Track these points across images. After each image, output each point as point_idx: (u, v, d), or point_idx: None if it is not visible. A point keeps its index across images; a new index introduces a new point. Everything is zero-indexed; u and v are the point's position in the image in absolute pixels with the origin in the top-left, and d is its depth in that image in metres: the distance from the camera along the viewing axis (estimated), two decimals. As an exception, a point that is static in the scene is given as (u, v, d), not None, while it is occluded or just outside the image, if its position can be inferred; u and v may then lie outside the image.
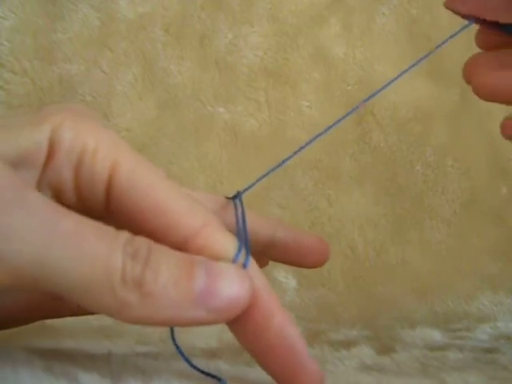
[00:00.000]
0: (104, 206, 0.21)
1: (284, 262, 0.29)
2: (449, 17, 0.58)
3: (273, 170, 0.25)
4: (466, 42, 0.62)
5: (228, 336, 0.37)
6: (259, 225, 0.27)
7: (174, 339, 0.23)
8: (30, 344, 0.24)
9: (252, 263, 0.21)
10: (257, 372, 0.26)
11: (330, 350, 0.32)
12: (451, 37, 0.24)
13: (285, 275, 0.50)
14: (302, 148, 0.25)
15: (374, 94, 0.24)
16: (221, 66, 0.53)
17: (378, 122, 0.56)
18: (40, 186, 0.21)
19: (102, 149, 0.20)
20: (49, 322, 0.36)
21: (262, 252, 0.28)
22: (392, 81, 0.24)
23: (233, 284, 0.19)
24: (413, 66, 0.24)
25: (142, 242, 0.18)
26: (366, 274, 0.52)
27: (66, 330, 0.34)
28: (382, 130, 0.56)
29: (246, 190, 0.24)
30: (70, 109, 0.21)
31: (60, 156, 0.20)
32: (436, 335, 0.39)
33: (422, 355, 0.32)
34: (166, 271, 0.18)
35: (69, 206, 0.19)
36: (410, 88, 0.58)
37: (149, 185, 0.21)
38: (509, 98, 0.28)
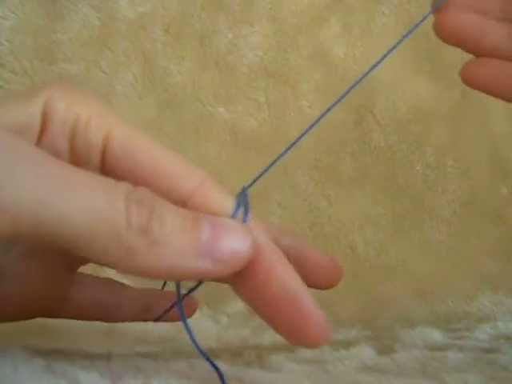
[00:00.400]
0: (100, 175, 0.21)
1: None
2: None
3: (279, 158, 0.25)
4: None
5: (228, 336, 0.37)
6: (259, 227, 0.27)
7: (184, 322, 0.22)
8: (30, 344, 0.24)
9: (252, 220, 0.21)
10: (256, 372, 0.26)
11: (329, 350, 0.32)
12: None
13: (285, 275, 0.50)
14: (302, 135, 0.24)
15: (364, 75, 0.24)
16: (221, 66, 0.53)
17: (378, 122, 0.56)
18: None
19: (94, 118, 0.21)
20: (49, 321, 0.36)
21: None
22: (381, 60, 0.24)
23: (237, 237, 0.19)
24: (399, 42, 0.24)
25: (145, 191, 0.18)
26: (365, 274, 0.52)
27: (66, 330, 0.34)
28: (382, 130, 0.56)
29: (250, 184, 0.24)
30: (61, 84, 0.22)
31: (54, 127, 0.21)
32: (436, 335, 0.39)
33: (421, 355, 0.32)
34: (171, 221, 0.18)
35: None
36: (410, 88, 0.58)
37: (143, 150, 0.21)
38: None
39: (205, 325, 0.40)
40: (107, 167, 0.21)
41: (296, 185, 0.53)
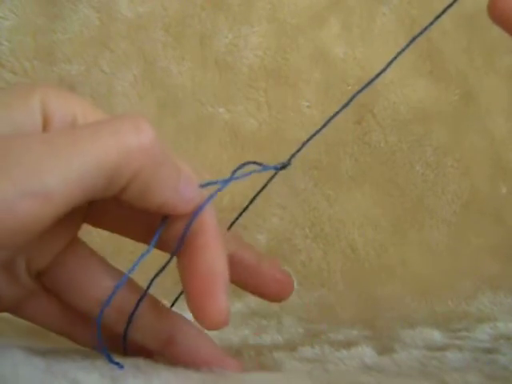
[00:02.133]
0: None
1: (240, 285, 0.28)
2: (449, 17, 0.57)
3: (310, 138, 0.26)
4: (466, 43, 0.63)
5: (228, 336, 0.37)
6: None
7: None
8: (30, 344, 0.24)
9: (210, 210, 0.24)
10: (256, 371, 0.26)
11: (330, 350, 0.32)
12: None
13: (285, 275, 0.50)
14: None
15: (369, 82, 0.24)
16: (221, 66, 0.53)
17: (378, 122, 0.56)
18: None
19: (90, 115, 0.22)
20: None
21: None
22: (386, 67, 0.24)
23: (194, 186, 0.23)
24: (404, 49, 0.24)
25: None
26: (365, 274, 0.52)
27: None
28: (383, 130, 0.56)
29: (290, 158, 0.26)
30: (46, 84, 0.23)
31: (54, 127, 0.21)
32: (436, 335, 0.39)
33: (421, 355, 0.32)
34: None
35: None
36: (411, 88, 0.58)
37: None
38: None
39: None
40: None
41: (296, 185, 0.53)
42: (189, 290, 0.23)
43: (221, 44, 0.53)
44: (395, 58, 0.23)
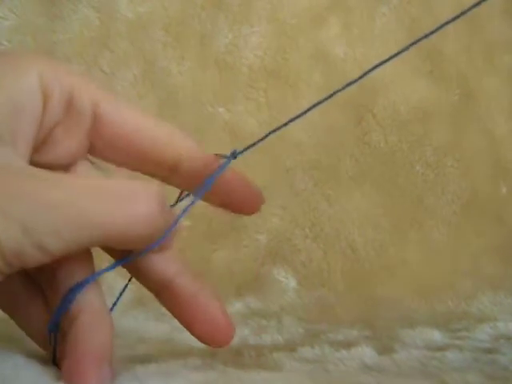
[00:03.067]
0: (91, 145, 0.23)
1: (175, 316, 0.24)
2: (449, 17, 0.57)
3: (272, 132, 0.26)
4: (466, 43, 0.63)
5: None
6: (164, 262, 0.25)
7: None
8: (31, 347, 0.24)
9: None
10: (256, 372, 0.26)
11: (330, 350, 0.32)
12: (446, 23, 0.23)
13: (285, 275, 0.50)
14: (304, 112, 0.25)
15: (364, 74, 0.24)
16: (221, 66, 0.53)
17: (378, 122, 0.56)
18: (39, 134, 0.21)
19: (84, 87, 0.22)
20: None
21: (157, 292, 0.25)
22: (386, 61, 0.24)
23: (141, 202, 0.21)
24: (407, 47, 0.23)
25: (155, 187, 0.21)
26: (366, 274, 0.52)
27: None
28: (383, 130, 0.56)
29: (241, 151, 0.26)
30: (37, 54, 0.22)
31: (54, 102, 0.21)
32: (436, 335, 0.39)
33: (421, 355, 0.32)
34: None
35: (62, 150, 0.22)
36: (411, 88, 0.58)
37: (130, 116, 0.23)
38: None
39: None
40: (96, 132, 0.23)
41: (296, 185, 0.53)
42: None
43: (221, 44, 0.53)
44: (397, 53, 0.23)
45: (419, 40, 0.22)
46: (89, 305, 0.21)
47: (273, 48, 0.54)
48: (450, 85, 0.59)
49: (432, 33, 0.22)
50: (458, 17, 0.21)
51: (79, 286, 0.21)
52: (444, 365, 0.30)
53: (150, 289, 0.24)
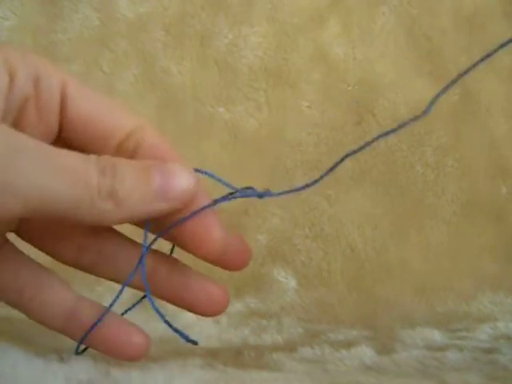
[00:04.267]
0: (60, 126, 0.24)
1: (170, 301, 0.27)
2: (449, 17, 0.58)
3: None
4: (466, 43, 0.63)
5: (228, 336, 0.37)
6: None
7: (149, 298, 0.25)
8: (30, 344, 0.24)
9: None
10: (256, 371, 0.26)
11: (330, 350, 0.32)
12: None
13: (285, 275, 0.50)
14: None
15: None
16: (221, 66, 0.53)
17: (378, 122, 0.56)
18: (6, 110, 0.23)
19: (51, 69, 0.24)
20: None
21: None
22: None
23: (183, 178, 0.24)
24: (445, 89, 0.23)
25: (107, 159, 0.22)
26: (366, 274, 0.52)
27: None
28: (383, 131, 0.56)
29: (220, 200, 0.26)
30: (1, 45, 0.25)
31: (20, 76, 0.23)
32: (436, 335, 0.39)
33: (421, 355, 0.32)
34: (129, 178, 0.22)
35: (30, 128, 0.23)
36: (411, 88, 0.58)
37: (93, 96, 0.25)
38: None
39: (205, 325, 0.40)
40: (65, 110, 0.24)
41: (296, 185, 0.53)
42: (184, 230, 0.24)
43: (221, 44, 0.53)
44: (438, 96, 0.22)
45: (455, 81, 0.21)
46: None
47: (273, 48, 0.54)
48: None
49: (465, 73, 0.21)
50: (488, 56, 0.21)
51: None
52: (444, 365, 0.30)
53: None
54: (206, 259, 0.25)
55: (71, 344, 0.26)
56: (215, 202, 0.24)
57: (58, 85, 0.24)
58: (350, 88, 0.56)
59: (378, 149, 0.56)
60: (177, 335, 0.24)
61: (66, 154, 0.21)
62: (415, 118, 0.21)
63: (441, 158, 0.57)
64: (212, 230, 0.24)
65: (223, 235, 0.24)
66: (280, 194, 0.26)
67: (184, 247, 0.25)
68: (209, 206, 0.24)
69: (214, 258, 0.24)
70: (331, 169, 0.25)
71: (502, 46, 0.22)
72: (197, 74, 0.52)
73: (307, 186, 0.25)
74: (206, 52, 0.52)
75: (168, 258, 0.27)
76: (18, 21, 0.47)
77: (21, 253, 0.26)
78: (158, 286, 0.26)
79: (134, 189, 0.22)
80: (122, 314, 0.26)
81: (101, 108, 0.25)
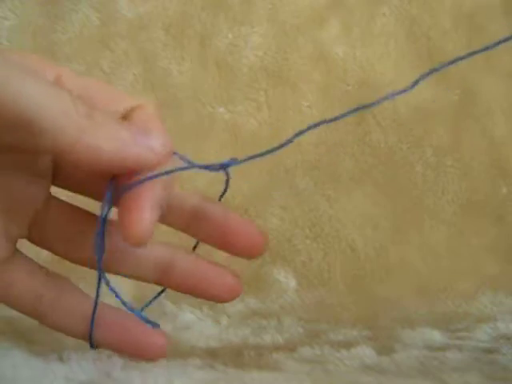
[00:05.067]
0: None
1: (209, 242, 0.27)
2: (449, 17, 0.58)
3: (270, 151, 0.25)
4: (466, 43, 0.63)
5: (228, 336, 0.37)
6: (183, 196, 0.27)
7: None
8: (30, 344, 0.24)
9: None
10: (256, 371, 0.26)
11: (330, 350, 0.32)
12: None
13: (285, 275, 0.50)
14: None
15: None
16: (221, 67, 0.53)
17: (378, 123, 0.56)
18: None
19: (47, 63, 0.24)
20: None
21: (187, 225, 0.27)
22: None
23: (163, 135, 0.24)
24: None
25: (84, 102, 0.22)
26: (365, 274, 0.52)
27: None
28: (382, 131, 0.56)
29: (236, 163, 0.25)
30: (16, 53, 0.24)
31: None
32: (436, 335, 0.39)
33: (421, 355, 0.32)
34: (108, 118, 0.22)
35: None
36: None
37: (91, 83, 0.25)
38: None
39: (205, 325, 0.40)
40: None
41: (296, 185, 0.53)
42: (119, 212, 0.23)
43: (221, 44, 0.53)
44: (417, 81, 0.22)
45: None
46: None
47: (273, 48, 0.54)
48: (450, 85, 0.59)
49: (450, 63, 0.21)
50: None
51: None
52: (444, 365, 0.30)
53: (180, 225, 0.27)
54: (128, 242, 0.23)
55: (71, 344, 0.26)
56: (167, 172, 0.23)
57: (54, 78, 0.24)
58: (349, 88, 0.56)
59: (378, 149, 0.56)
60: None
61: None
62: (398, 93, 0.21)
63: (441, 158, 0.57)
64: (139, 208, 0.22)
65: (149, 217, 0.22)
66: (244, 160, 0.26)
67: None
68: (162, 174, 0.23)
69: (136, 241, 0.22)
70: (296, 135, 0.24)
71: (502, 41, 0.21)
72: (197, 74, 0.52)
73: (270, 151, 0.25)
74: (206, 52, 0.52)
75: (185, 250, 0.27)
76: (18, 21, 0.47)
77: (32, 261, 0.26)
78: (175, 278, 0.26)
79: (114, 122, 0.22)
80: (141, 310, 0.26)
81: (100, 93, 0.24)
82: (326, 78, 0.55)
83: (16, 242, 0.25)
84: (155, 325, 0.24)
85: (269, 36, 0.54)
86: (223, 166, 0.25)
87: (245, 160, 0.24)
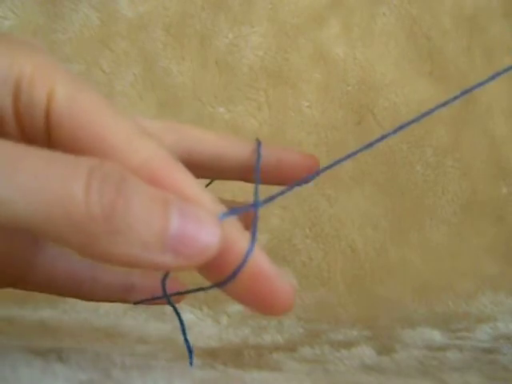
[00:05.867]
0: (45, 137, 0.19)
1: (269, 183, 0.27)
2: (449, 17, 0.58)
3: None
4: (466, 43, 0.63)
5: (228, 336, 0.37)
6: (232, 146, 0.26)
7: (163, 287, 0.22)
8: (30, 344, 0.24)
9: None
10: (257, 371, 0.26)
11: (330, 349, 0.32)
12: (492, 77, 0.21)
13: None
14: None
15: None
16: (221, 66, 0.53)
17: (378, 123, 0.56)
18: None
19: (38, 73, 0.19)
20: (49, 322, 0.36)
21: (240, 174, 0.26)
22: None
23: (206, 231, 0.17)
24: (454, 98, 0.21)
25: (112, 167, 0.16)
26: (365, 274, 0.52)
27: (66, 330, 0.34)
28: (383, 131, 0.56)
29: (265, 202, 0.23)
30: (6, 37, 0.20)
31: None
32: (436, 335, 0.39)
33: (422, 355, 0.32)
34: (138, 203, 0.16)
35: (10, 136, 0.18)
36: (411, 88, 0.58)
37: (87, 112, 0.18)
38: None
39: (205, 325, 0.40)
40: (51, 128, 0.18)
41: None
42: (247, 298, 0.19)
43: (221, 44, 0.53)
44: (444, 104, 0.21)
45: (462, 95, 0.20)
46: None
47: (273, 48, 0.54)
48: (450, 85, 0.59)
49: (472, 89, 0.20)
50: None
51: None
52: (444, 365, 0.30)
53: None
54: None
55: (71, 344, 0.26)
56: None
57: (43, 100, 0.18)
58: (349, 88, 0.56)
59: (378, 149, 0.56)
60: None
61: (32, 150, 0.16)
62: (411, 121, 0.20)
63: (441, 158, 0.58)
64: (276, 282, 0.18)
65: (290, 282, 0.18)
66: (272, 198, 0.22)
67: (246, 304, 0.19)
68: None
69: (284, 310, 0.18)
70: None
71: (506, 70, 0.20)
72: (197, 73, 0.52)
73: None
74: (206, 52, 0.52)
75: None
76: (18, 21, 0.47)
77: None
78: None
79: (141, 221, 0.16)
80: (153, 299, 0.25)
81: (97, 129, 0.18)
82: (326, 78, 0.55)
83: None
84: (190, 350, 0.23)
85: (269, 36, 0.54)
86: (254, 206, 0.22)
87: (272, 198, 0.23)
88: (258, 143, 0.26)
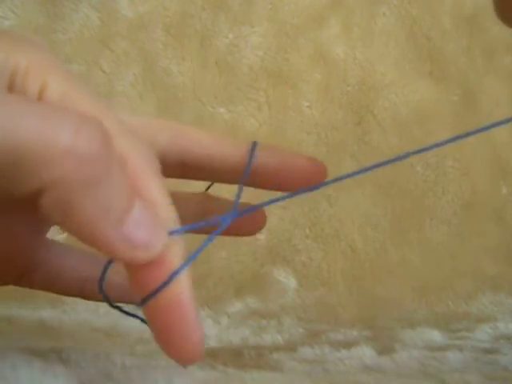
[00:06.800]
0: None
1: (271, 189, 0.26)
2: (449, 17, 0.58)
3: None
4: (466, 43, 0.63)
5: (228, 336, 0.37)
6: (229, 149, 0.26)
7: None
8: (30, 344, 0.23)
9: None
10: (257, 371, 0.26)
11: (330, 349, 0.32)
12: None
13: (285, 275, 0.50)
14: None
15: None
16: (221, 66, 0.53)
17: (378, 123, 0.56)
18: None
19: (33, 68, 0.19)
20: (49, 322, 0.36)
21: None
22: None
23: (158, 230, 0.18)
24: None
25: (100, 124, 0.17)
26: (365, 274, 0.52)
27: (66, 330, 0.34)
28: (383, 131, 0.56)
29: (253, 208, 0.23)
30: (7, 33, 0.20)
31: None
32: (436, 335, 0.39)
33: (422, 355, 0.32)
34: (117, 173, 0.17)
35: None
36: (411, 89, 0.58)
37: (78, 108, 0.19)
38: None
39: (205, 325, 0.40)
40: None
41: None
42: (161, 333, 0.19)
43: (221, 44, 0.53)
44: (450, 140, 0.20)
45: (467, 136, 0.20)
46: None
47: (273, 48, 0.54)
48: (450, 85, 0.59)
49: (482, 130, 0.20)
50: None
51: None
52: (444, 365, 0.30)
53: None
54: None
55: (71, 344, 0.26)
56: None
57: (35, 94, 0.19)
58: (349, 88, 0.56)
59: (378, 149, 0.56)
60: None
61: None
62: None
63: (441, 159, 0.58)
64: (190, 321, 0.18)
65: (200, 334, 0.18)
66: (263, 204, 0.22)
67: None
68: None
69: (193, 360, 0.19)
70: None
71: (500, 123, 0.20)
72: (197, 73, 0.52)
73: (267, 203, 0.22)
74: (206, 52, 0.52)
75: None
76: (18, 21, 0.47)
77: (70, 247, 0.25)
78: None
79: (115, 194, 0.17)
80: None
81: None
82: (326, 78, 0.55)
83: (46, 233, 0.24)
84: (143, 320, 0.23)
85: (269, 36, 0.54)
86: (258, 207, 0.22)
87: (264, 204, 0.23)
88: (253, 145, 0.25)
